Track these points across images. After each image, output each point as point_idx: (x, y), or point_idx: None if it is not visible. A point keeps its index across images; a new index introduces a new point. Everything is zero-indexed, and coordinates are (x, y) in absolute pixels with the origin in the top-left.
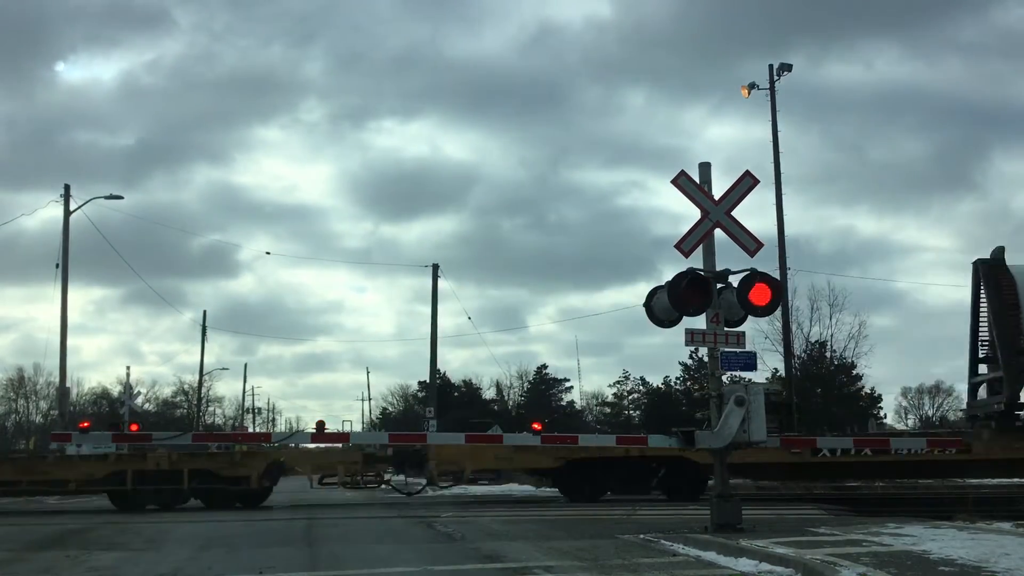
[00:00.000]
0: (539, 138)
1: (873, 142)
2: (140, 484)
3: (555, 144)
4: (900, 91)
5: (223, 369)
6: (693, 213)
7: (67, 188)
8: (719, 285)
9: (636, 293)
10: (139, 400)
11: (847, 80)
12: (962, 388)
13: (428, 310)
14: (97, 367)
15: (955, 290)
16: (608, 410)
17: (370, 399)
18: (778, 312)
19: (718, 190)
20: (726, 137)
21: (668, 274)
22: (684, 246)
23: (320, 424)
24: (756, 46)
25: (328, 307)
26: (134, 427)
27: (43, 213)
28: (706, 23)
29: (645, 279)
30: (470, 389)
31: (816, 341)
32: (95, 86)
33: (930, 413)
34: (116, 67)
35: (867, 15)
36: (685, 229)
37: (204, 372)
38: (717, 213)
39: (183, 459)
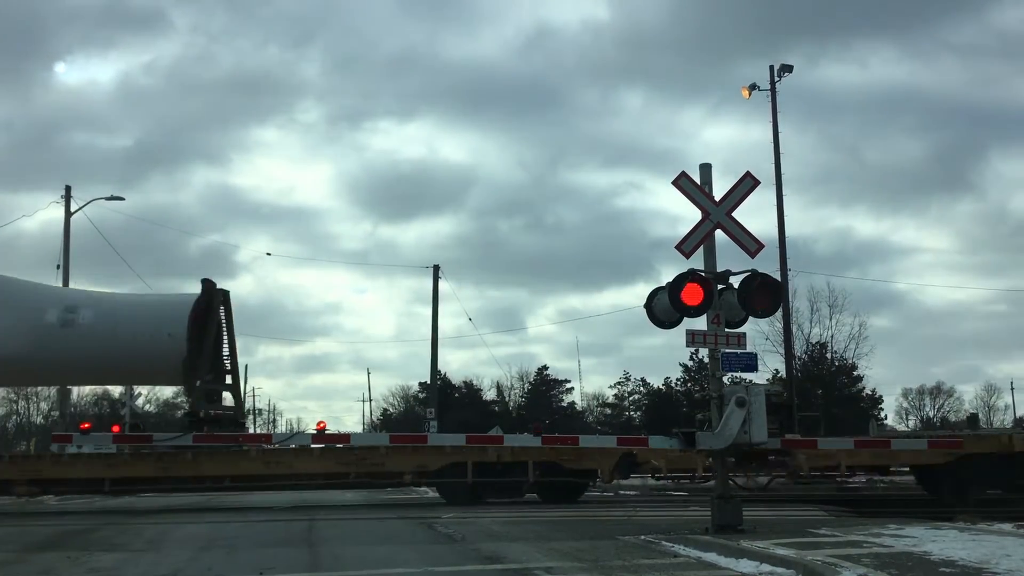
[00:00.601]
0: (537, 139)
1: (871, 143)
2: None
3: (553, 145)
4: (897, 92)
5: None
6: (692, 214)
7: (68, 189)
8: (720, 286)
9: (635, 294)
10: (139, 401)
11: (844, 81)
12: (962, 389)
13: (428, 311)
14: None
15: (954, 291)
16: (609, 411)
17: (371, 400)
18: (779, 313)
19: (716, 191)
20: (724, 138)
21: (667, 275)
22: (685, 247)
23: (321, 425)
24: (752, 47)
25: (328, 308)
26: (115, 428)
27: (42, 214)
28: (702, 25)
29: (644, 280)
30: (471, 390)
31: (817, 342)
32: (92, 88)
33: (931, 414)
34: (113, 68)
35: (863, 16)
36: (684, 230)
37: None
38: (718, 214)
39: (526, 451)
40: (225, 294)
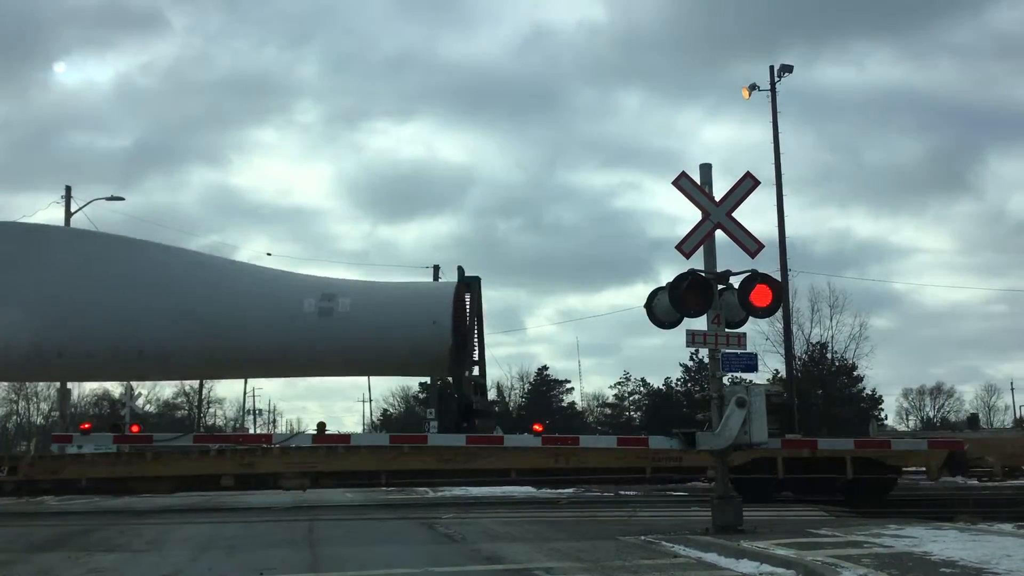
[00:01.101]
0: (535, 140)
1: (868, 144)
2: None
3: (551, 146)
4: (894, 93)
5: None
6: (691, 215)
7: (68, 189)
8: (720, 286)
9: (634, 294)
10: (139, 402)
11: (841, 82)
12: (963, 389)
13: None
14: None
15: (954, 291)
16: (609, 411)
17: (371, 400)
18: (779, 313)
19: (715, 192)
20: (722, 139)
21: (666, 275)
22: (685, 247)
23: (321, 425)
24: (749, 48)
25: None
26: (135, 428)
27: (42, 215)
28: (698, 26)
29: (643, 280)
30: None
31: (817, 342)
32: (90, 88)
33: (931, 414)
34: (112, 69)
35: (860, 17)
36: (682, 230)
37: None
38: (718, 214)
39: (843, 450)
40: (477, 281)
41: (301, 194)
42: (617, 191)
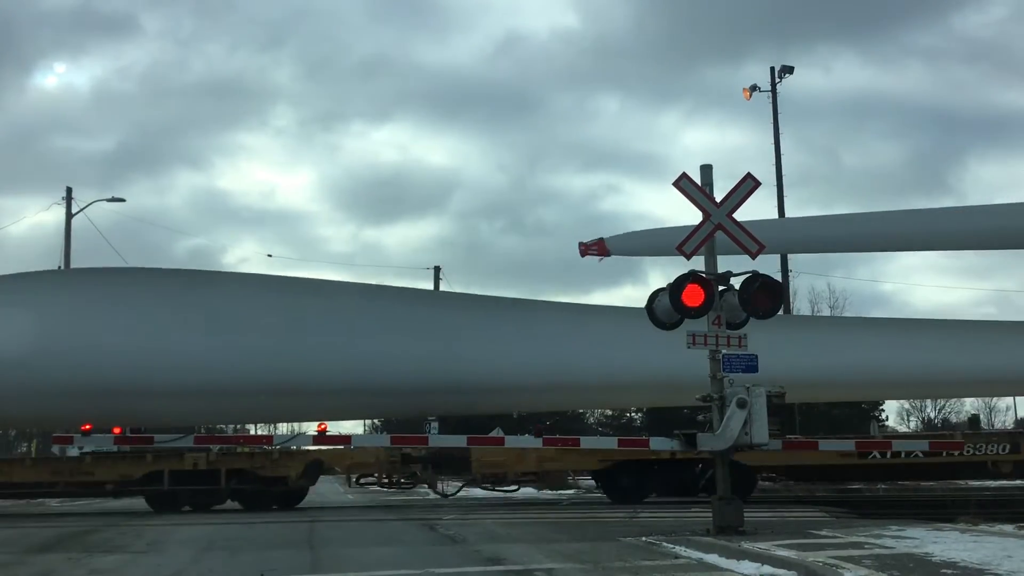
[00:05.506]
0: (515, 143)
1: (846, 147)
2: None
3: (531, 149)
4: (866, 97)
5: None
6: (677, 217)
7: (69, 191)
8: (721, 287)
9: (623, 296)
10: None
11: (810, 86)
12: None
13: None
14: None
15: (943, 293)
16: (610, 412)
17: None
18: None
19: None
20: (702, 143)
21: (654, 277)
22: (686, 248)
23: (322, 427)
24: (717, 54)
25: None
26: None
27: (29, 219)
28: (668, 32)
29: (632, 282)
30: None
31: None
32: (68, 92)
33: (932, 415)
34: (88, 73)
35: (821, 22)
36: None
37: None
38: (719, 215)
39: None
40: None
41: (285, 197)
42: (598, 193)
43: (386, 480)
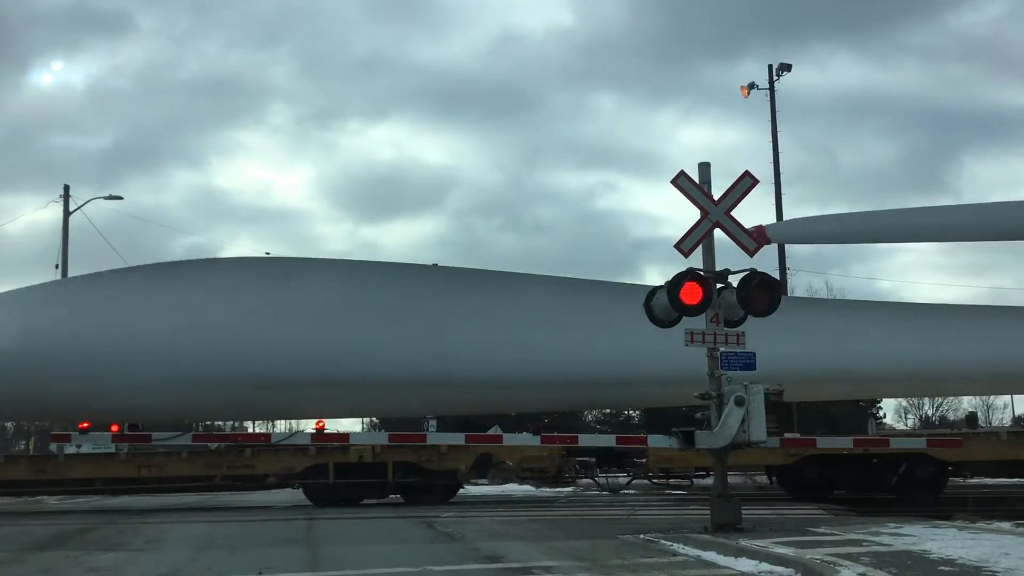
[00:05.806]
0: (511, 141)
1: (842, 145)
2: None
3: (528, 147)
4: (862, 95)
5: None
6: (674, 215)
7: (66, 189)
8: (719, 285)
9: None
10: None
11: (806, 84)
12: None
13: None
14: None
15: (941, 291)
16: (608, 410)
17: None
18: None
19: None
20: (699, 140)
21: (651, 274)
22: (684, 246)
23: (320, 425)
24: (712, 52)
25: None
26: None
27: (26, 217)
28: (663, 31)
29: (629, 279)
30: None
31: None
32: (64, 90)
33: (930, 413)
34: (83, 71)
35: (815, 20)
36: (665, 231)
37: None
38: (716, 213)
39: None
40: None
41: (282, 195)
42: (595, 191)
43: (553, 473)
